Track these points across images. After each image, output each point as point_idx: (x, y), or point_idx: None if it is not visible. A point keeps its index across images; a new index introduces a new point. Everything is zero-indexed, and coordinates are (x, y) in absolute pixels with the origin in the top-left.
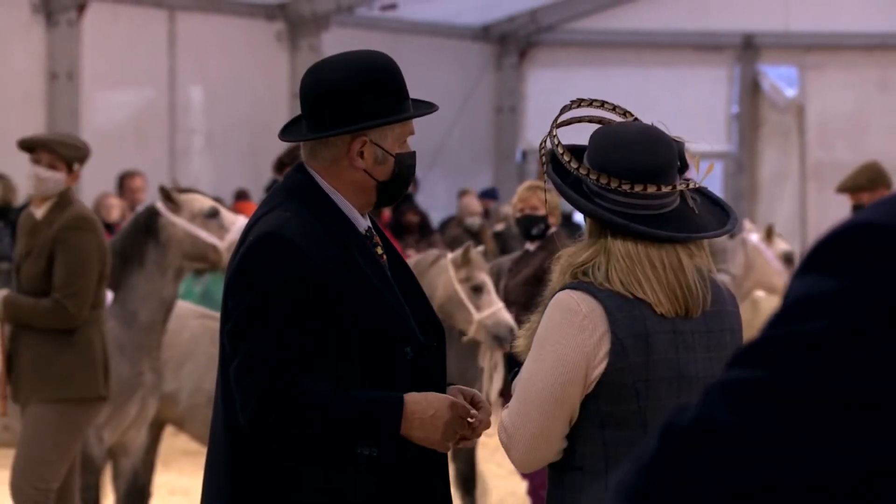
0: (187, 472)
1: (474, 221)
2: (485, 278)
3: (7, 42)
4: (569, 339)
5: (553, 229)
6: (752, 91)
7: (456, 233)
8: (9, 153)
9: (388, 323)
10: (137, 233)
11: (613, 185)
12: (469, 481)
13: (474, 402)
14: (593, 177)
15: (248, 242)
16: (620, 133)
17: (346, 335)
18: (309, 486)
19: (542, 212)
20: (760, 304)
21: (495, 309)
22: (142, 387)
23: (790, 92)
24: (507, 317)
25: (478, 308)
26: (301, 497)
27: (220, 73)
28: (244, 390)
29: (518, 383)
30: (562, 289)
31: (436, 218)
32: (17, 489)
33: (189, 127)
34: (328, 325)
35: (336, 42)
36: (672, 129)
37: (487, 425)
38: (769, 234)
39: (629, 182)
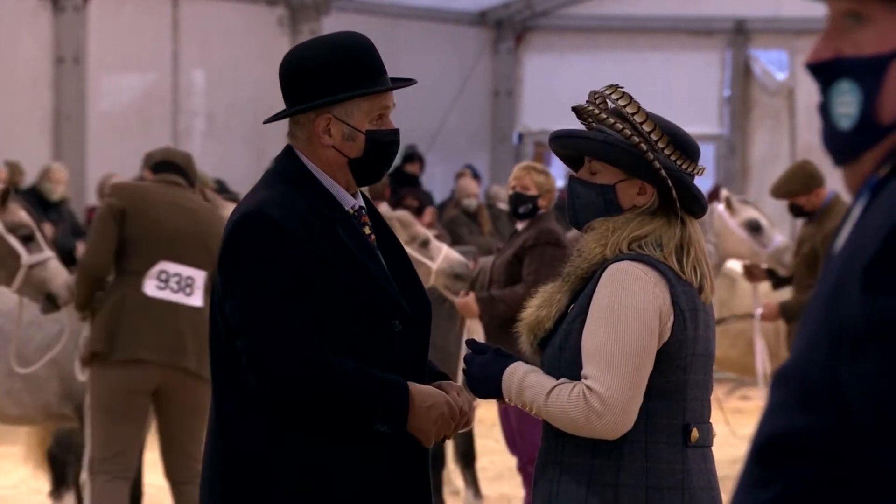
0: None
1: (471, 202)
2: (426, 232)
3: (15, 27)
4: (646, 304)
5: (542, 211)
6: (743, 75)
7: (453, 214)
8: (17, 136)
9: (375, 296)
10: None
11: (690, 168)
12: (469, 455)
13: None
14: (680, 161)
15: (232, 221)
16: (660, 116)
17: (333, 307)
18: (301, 451)
19: (532, 192)
20: (738, 284)
21: (444, 252)
22: None
23: (781, 76)
24: (456, 254)
25: (431, 260)
26: (293, 461)
27: (222, 57)
28: (264, 363)
29: (598, 351)
30: (616, 259)
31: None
32: None
33: (192, 110)
34: (316, 297)
35: (336, 27)
36: (665, 112)
37: (472, 417)
38: (729, 204)
39: (699, 166)
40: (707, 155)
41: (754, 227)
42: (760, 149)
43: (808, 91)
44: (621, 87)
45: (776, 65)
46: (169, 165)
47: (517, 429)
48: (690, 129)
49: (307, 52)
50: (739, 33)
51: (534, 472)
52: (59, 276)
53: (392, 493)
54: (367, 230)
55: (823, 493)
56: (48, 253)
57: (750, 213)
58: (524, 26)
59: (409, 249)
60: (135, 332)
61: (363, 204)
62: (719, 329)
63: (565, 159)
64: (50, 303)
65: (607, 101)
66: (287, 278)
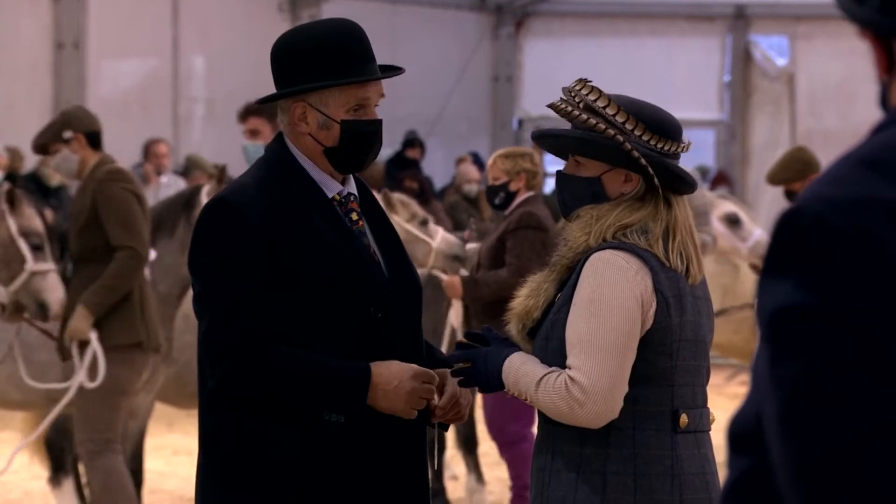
0: (192, 434)
1: (472, 188)
2: (424, 213)
3: (15, 12)
4: (627, 292)
5: (527, 195)
6: (743, 60)
7: (454, 199)
8: (17, 121)
9: (350, 283)
10: (178, 204)
11: (672, 147)
12: (470, 441)
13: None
14: (661, 144)
15: (201, 210)
16: (631, 97)
17: (304, 295)
18: (276, 444)
19: (502, 180)
20: (741, 270)
21: (441, 234)
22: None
23: (781, 61)
24: (452, 236)
25: (431, 238)
26: (266, 453)
27: (222, 43)
28: (213, 353)
29: (579, 341)
30: (598, 249)
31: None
32: (78, 443)
33: (192, 96)
34: (284, 286)
35: (336, 12)
36: (665, 97)
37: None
38: (708, 201)
39: (682, 143)
40: (707, 140)
41: (733, 221)
42: (761, 134)
43: (809, 76)
44: (590, 82)
45: (776, 50)
46: (100, 138)
47: (489, 415)
48: (690, 114)
49: (292, 37)
50: (740, 18)
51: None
52: (56, 289)
53: (382, 479)
54: (354, 216)
55: (759, 479)
56: (51, 265)
57: (728, 207)
58: (524, 12)
59: (409, 227)
60: (154, 320)
61: (353, 190)
62: (722, 316)
63: (553, 153)
64: (41, 311)
65: (577, 95)
66: (243, 268)
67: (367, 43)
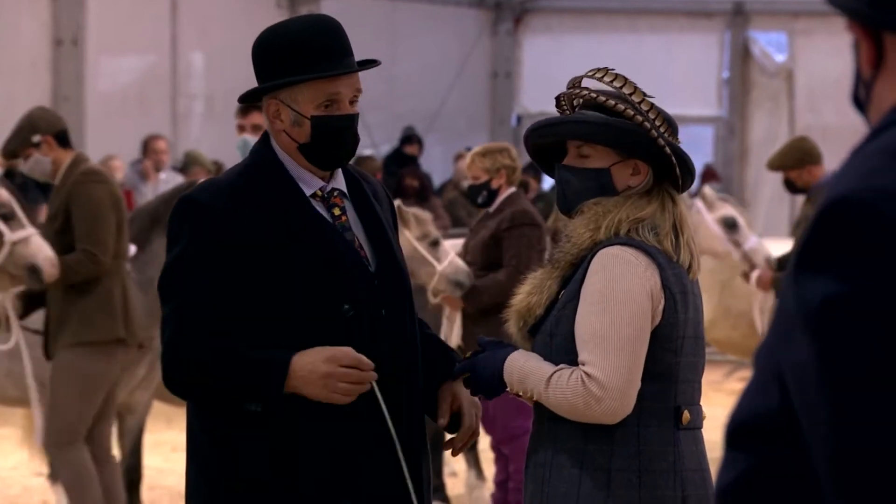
0: None
1: None
2: (437, 232)
3: (13, 9)
4: (638, 287)
5: (509, 191)
6: (742, 56)
7: (452, 196)
8: (16, 117)
9: (321, 280)
10: (174, 199)
11: (676, 143)
12: None
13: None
14: (671, 138)
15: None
16: None
17: (271, 293)
18: (255, 450)
19: (483, 178)
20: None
21: (451, 258)
22: (151, 351)
23: (780, 57)
24: (462, 263)
25: (438, 261)
26: (245, 459)
27: (220, 39)
28: (162, 351)
29: (592, 337)
30: (606, 245)
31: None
32: (45, 433)
33: (190, 92)
34: (249, 285)
35: (335, 9)
36: (664, 93)
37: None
38: (705, 199)
39: (679, 142)
40: (706, 136)
41: (730, 225)
42: (759, 130)
43: (807, 73)
44: (612, 70)
45: (775, 46)
46: (68, 136)
47: (491, 412)
48: (689, 110)
49: (267, 35)
50: (738, 15)
51: (525, 456)
52: (41, 250)
53: (373, 479)
54: (336, 211)
55: (774, 475)
56: (30, 230)
57: (727, 210)
58: (523, 8)
59: (418, 245)
60: (136, 317)
61: (340, 185)
62: (721, 311)
63: (538, 153)
64: (34, 277)
65: (584, 86)
66: (199, 266)
67: (342, 38)
